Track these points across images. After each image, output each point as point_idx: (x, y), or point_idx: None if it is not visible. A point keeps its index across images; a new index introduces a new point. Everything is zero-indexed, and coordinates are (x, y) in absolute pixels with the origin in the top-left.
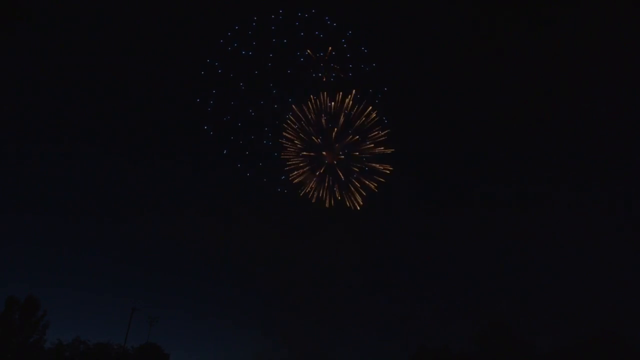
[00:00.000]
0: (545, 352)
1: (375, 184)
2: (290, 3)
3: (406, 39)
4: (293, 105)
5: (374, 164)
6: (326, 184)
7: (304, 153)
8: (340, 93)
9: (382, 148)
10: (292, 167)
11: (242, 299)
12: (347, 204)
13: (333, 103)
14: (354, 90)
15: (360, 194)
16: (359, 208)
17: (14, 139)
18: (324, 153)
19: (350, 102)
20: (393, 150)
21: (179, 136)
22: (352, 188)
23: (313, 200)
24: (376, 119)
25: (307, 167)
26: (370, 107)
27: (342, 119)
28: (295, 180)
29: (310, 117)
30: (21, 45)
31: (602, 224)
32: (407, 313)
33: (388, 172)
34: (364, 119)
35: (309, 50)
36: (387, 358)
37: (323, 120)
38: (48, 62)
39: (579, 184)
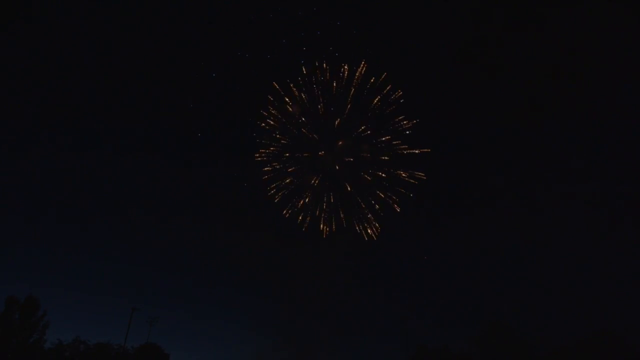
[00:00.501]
0: (545, 352)
1: (397, 200)
2: (290, 2)
3: (405, 39)
4: (274, 83)
5: (399, 172)
6: (324, 203)
7: (288, 155)
8: (346, 66)
9: (405, 146)
10: (271, 175)
11: (243, 299)
12: (357, 229)
13: (335, 83)
14: (363, 61)
15: (377, 218)
16: (375, 238)
17: (15, 140)
18: (321, 154)
19: (362, 73)
20: (429, 150)
21: (180, 138)
22: (364, 206)
23: (304, 228)
24: (401, 101)
25: (294, 177)
26: (390, 86)
27: (349, 102)
28: (277, 198)
29: (300, 99)
30: (20, 47)
31: (602, 224)
32: (407, 313)
33: (415, 181)
34: (379, 101)
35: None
36: (387, 358)
37: (320, 106)
38: (49, 64)
39: (579, 184)
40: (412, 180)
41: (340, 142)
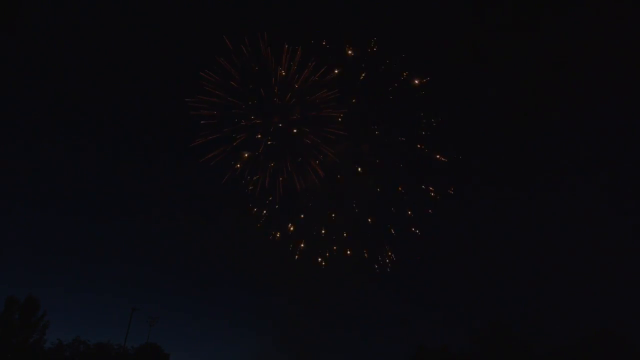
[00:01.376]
0: (545, 352)
1: (412, 215)
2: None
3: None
4: (255, 66)
5: (424, 185)
6: (322, 229)
7: (273, 165)
8: (350, 49)
9: (426, 150)
10: (251, 188)
11: (243, 299)
12: (365, 255)
13: (336, 70)
14: (374, 39)
15: (391, 244)
16: (389, 269)
17: (14, 139)
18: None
19: (373, 52)
20: (460, 157)
21: (181, 137)
22: (370, 220)
23: (297, 255)
24: (422, 93)
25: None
26: (406, 74)
27: (353, 96)
28: (260, 222)
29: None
30: (19, 45)
31: (602, 224)
32: (407, 313)
33: (439, 197)
34: (393, 92)
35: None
36: (387, 358)
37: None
38: (50, 64)
39: (579, 183)
40: (437, 195)
41: (343, 144)
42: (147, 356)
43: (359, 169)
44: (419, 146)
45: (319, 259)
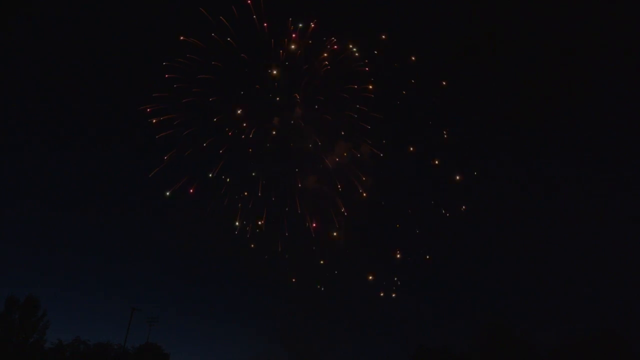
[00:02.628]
0: (545, 352)
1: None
2: None
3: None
4: (243, 55)
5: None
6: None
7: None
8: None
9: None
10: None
11: (243, 299)
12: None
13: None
14: (384, 35)
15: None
16: (393, 294)
17: (14, 138)
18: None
19: (382, 50)
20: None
21: (181, 135)
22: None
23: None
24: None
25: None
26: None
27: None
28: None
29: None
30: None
31: (602, 224)
32: (407, 313)
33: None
34: (402, 96)
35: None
36: (387, 358)
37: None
38: (54, 63)
39: (578, 183)
40: (446, 213)
41: (347, 151)
42: (147, 356)
43: (364, 194)
44: (435, 162)
45: (318, 286)
